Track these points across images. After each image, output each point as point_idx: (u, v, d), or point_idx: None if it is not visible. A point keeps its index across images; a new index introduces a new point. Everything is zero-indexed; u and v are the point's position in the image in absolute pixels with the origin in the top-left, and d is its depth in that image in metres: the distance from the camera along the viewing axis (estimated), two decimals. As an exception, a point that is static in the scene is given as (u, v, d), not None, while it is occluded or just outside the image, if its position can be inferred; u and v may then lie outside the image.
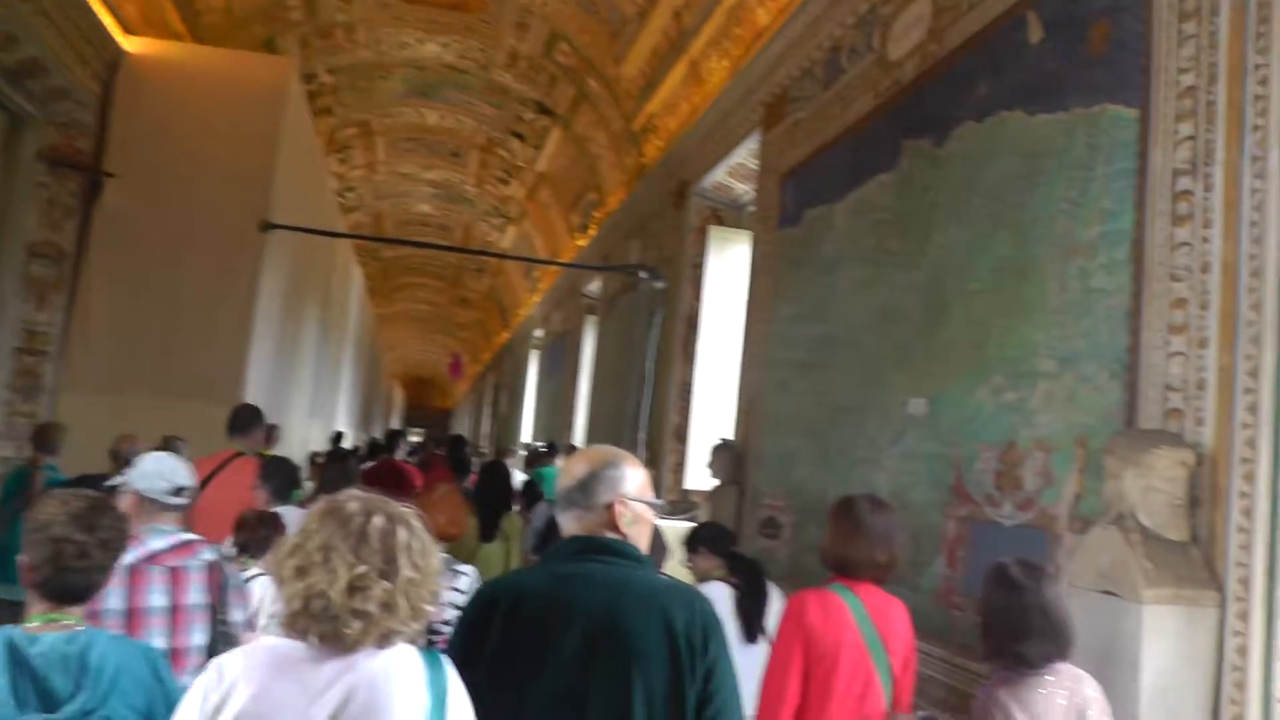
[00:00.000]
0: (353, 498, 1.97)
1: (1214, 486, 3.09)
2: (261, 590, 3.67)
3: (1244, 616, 2.94)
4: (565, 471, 2.40)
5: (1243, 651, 2.94)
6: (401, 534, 1.93)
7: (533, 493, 8.21)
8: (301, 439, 12.80)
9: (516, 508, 7.21)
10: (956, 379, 4.55)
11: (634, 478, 2.35)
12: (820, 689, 2.97)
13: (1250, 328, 3.06)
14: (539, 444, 13.63)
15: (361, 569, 1.85)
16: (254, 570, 3.79)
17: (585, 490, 2.33)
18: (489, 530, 6.29)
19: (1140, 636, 2.94)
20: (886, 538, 3.08)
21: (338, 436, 15.69)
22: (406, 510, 1.99)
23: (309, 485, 9.70)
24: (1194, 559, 3.04)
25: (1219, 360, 3.14)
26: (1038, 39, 4.28)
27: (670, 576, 2.61)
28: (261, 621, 3.61)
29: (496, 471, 6.90)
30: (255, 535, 3.93)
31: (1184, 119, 3.41)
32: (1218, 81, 3.30)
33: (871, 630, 3.00)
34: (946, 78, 5.03)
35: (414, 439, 22.92)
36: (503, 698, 2.09)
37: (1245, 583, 2.96)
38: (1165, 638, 2.95)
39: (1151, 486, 3.05)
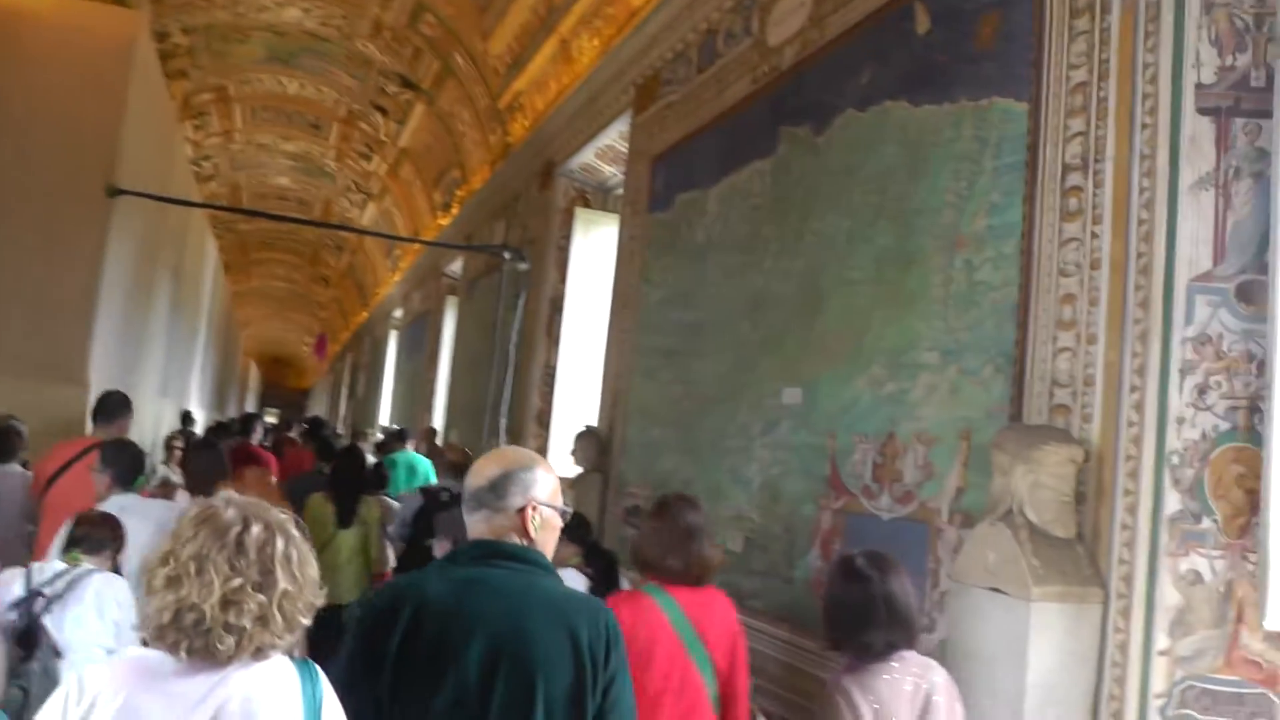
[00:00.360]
0: (230, 503, 1.88)
1: (1099, 483, 3.03)
2: (97, 588, 3.35)
3: (1125, 614, 2.88)
4: (476, 471, 2.30)
5: (1123, 648, 2.88)
6: (279, 543, 1.86)
7: (380, 478, 7.99)
8: (154, 419, 12.02)
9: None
10: (833, 369, 4.43)
11: (546, 482, 2.29)
12: (635, 687, 2.94)
13: (1138, 325, 3.00)
14: (393, 428, 13.21)
15: (237, 582, 1.77)
16: (86, 565, 3.45)
17: (496, 491, 2.24)
18: (346, 516, 6.08)
19: (1027, 634, 2.86)
20: (696, 539, 3.17)
21: (185, 416, 14.86)
22: (284, 517, 1.93)
23: (161, 469, 9.12)
24: (1079, 556, 2.97)
25: (1106, 357, 3.08)
26: (924, 30, 4.18)
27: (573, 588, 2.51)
28: (93, 618, 3.31)
29: (353, 456, 6.70)
30: (94, 532, 3.58)
31: (1075, 115, 3.34)
32: (1109, 78, 3.23)
33: (687, 627, 3.06)
34: (828, 65, 4.91)
35: (270, 420, 22.06)
36: (403, 708, 2.03)
37: (1128, 580, 2.90)
38: (1052, 635, 2.88)
39: (1040, 483, 2.97)
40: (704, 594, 3.20)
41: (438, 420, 14.11)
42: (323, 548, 5.89)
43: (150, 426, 11.15)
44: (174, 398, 15.14)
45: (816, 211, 4.79)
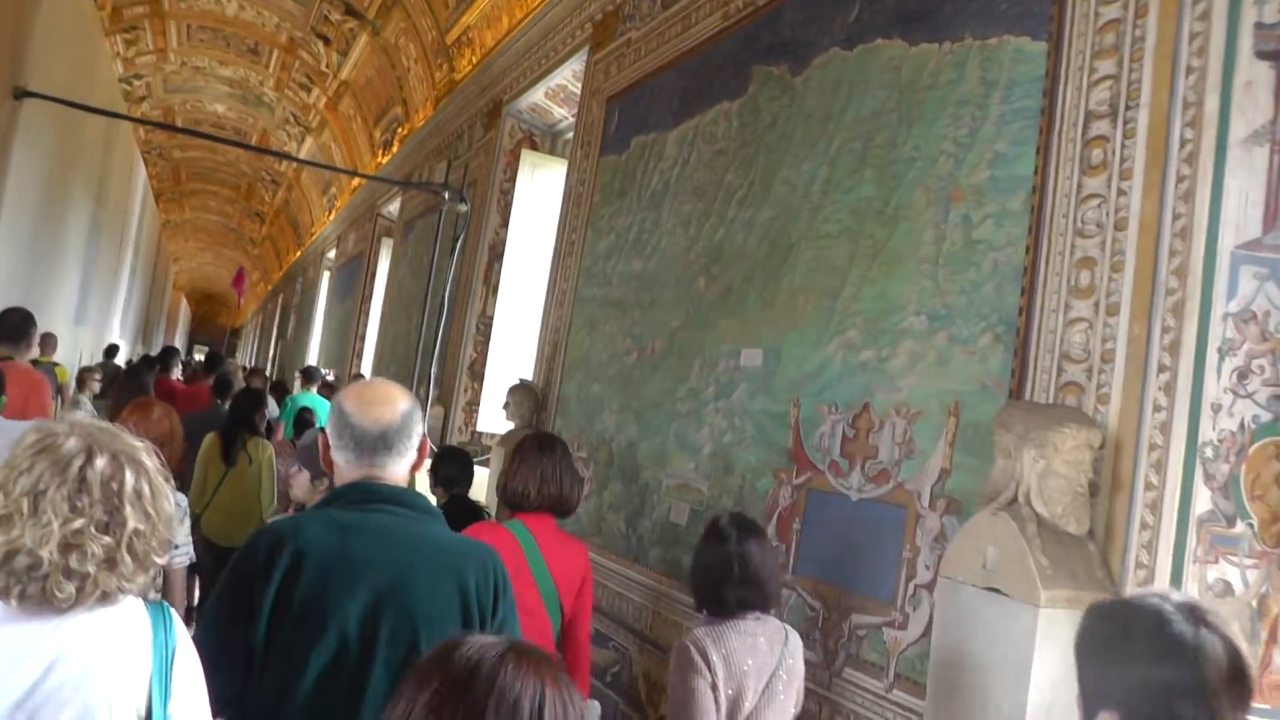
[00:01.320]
0: (74, 430, 1.62)
1: (1115, 474, 2.59)
2: None
3: (1142, 626, 2.46)
4: (371, 407, 2.09)
5: (1137, 666, 2.46)
6: (129, 477, 1.61)
7: (303, 421, 7.92)
8: (70, 347, 11.19)
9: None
10: (800, 330, 3.96)
11: None
12: None
13: (1171, 296, 2.56)
14: (310, 368, 12.63)
15: (78, 523, 1.54)
16: None
17: (406, 430, 2.10)
18: (229, 453, 5.97)
19: (1032, 644, 2.41)
20: (552, 474, 3.26)
21: (111, 350, 14.06)
22: (137, 445, 1.68)
23: (84, 401, 8.43)
24: (1091, 556, 2.54)
25: (1131, 331, 2.63)
26: (926, -41, 3.69)
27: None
28: None
29: (247, 397, 6.48)
30: None
31: (1104, 56, 2.87)
32: (1148, 15, 2.76)
33: (539, 561, 3.14)
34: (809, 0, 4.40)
35: (199, 357, 21.32)
36: (279, 660, 1.88)
37: (1147, 586, 2.48)
38: (1056, 645, 2.43)
39: (1052, 470, 2.52)
40: (563, 537, 3.33)
41: (366, 366, 13.46)
42: (215, 488, 5.87)
43: (65, 357, 10.36)
44: (93, 327, 14.30)
45: (789, 159, 4.30)
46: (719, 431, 4.39)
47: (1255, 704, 2.39)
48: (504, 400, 6.72)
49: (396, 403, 2.12)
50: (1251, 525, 2.43)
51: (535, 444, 3.38)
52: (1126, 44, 2.81)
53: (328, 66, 14.20)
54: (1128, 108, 2.77)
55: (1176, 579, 2.43)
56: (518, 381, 6.71)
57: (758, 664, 2.70)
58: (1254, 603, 2.42)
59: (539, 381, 6.68)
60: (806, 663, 3.42)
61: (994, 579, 2.54)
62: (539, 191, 8.71)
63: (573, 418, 6.05)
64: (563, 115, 8.39)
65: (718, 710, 2.62)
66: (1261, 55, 2.56)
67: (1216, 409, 2.46)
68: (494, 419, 8.13)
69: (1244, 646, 1.53)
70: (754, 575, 2.76)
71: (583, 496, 3.25)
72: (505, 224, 8.76)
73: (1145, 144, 2.69)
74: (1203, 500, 2.44)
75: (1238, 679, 1.48)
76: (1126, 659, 1.50)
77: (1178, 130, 2.63)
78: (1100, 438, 2.56)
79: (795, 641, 2.85)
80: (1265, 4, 2.56)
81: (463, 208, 8.92)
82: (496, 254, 8.79)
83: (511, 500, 3.28)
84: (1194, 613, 1.50)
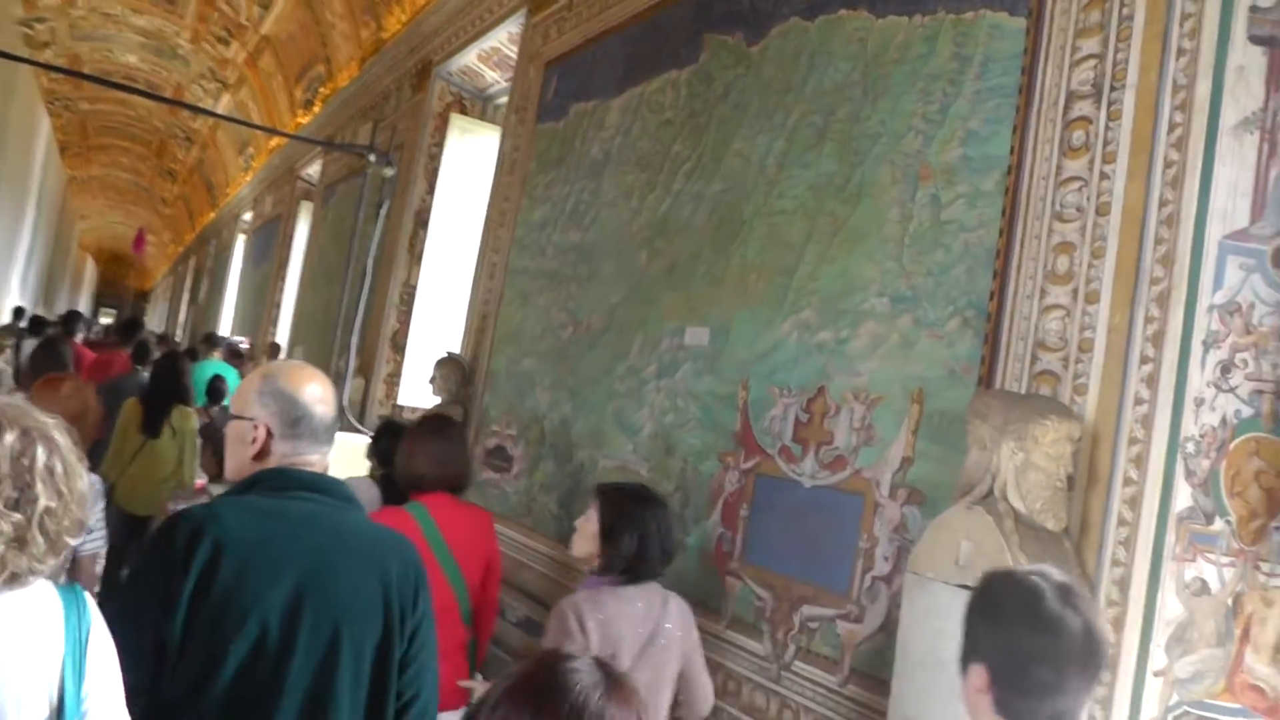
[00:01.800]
0: None
1: (1092, 468, 2.49)
2: None
3: (1118, 625, 2.36)
4: (317, 398, 2.04)
5: (1112, 665, 2.36)
6: (40, 453, 1.56)
7: (218, 392, 7.58)
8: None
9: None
10: (752, 309, 3.80)
11: None
12: None
13: (1156, 285, 2.45)
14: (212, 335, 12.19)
15: None
16: None
17: (338, 415, 2.14)
18: (152, 424, 5.62)
19: (1006, 646, 2.30)
20: (449, 454, 3.35)
21: (18, 311, 13.36)
22: (47, 421, 1.62)
23: (5, 371, 7.99)
24: (1068, 554, 2.43)
25: (1111, 319, 2.52)
26: (897, -73, 3.54)
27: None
28: None
29: (169, 366, 6.09)
30: None
31: (1088, 34, 2.75)
32: (1137, -8, 2.66)
33: (439, 541, 3.16)
34: (769, -32, 4.22)
35: (107, 320, 20.54)
36: (197, 650, 1.79)
37: (1122, 585, 2.37)
38: (1030, 647, 2.33)
39: (1031, 463, 2.40)
40: (465, 513, 3.37)
41: (283, 334, 13.02)
42: (132, 457, 5.52)
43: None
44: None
45: (743, 130, 4.12)
46: (660, 412, 4.22)
47: (1227, 704, 2.32)
48: (430, 374, 6.46)
49: (328, 390, 2.11)
50: (1230, 522, 2.34)
51: (429, 429, 3.46)
52: (1113, 23, 2.69)
53: (248, 19, 13.59)
54: (1112, 89, 2.65)
55: (1154, 577, 2.33)
56: (445, 355, 6.46)
57: (633, 629, 2.72)
58: (1229, 601, 2.33)
59: (467, 355, 6.43)
60: (752, 655, 3.30)
61: (967, 576, 2.40)
62: (468, 158, 8.43)
63: (502, 393, 5.83)
64: (495, 79, 8.11)
65: None
66: (1255, 40, 2.45)
67: (1199, 403, 2.37)
68: (416, 392, 7.86)
69: (1104, 627, 1.75)
70: (661, 538, 2.84)
71: (454, 469, 3.39)
72: (431, 190, 8.46)
73: (1131, 127, 2.58)
74: (1183, 497, 2.34)
75: (1090, 653, 1.66)
76: (1001, 623, 1.71)
77: (1166, 114, 2.51)
78: (1080, 430, 2.45)
79: (677, 606, 2.85)
80: (1261, -14, 2.46)
81: (388, 172, 8.61)
82: (422, 221, 8.48)
83: (408, 482, 3.35)
84: (1065, 593, 1.68)
